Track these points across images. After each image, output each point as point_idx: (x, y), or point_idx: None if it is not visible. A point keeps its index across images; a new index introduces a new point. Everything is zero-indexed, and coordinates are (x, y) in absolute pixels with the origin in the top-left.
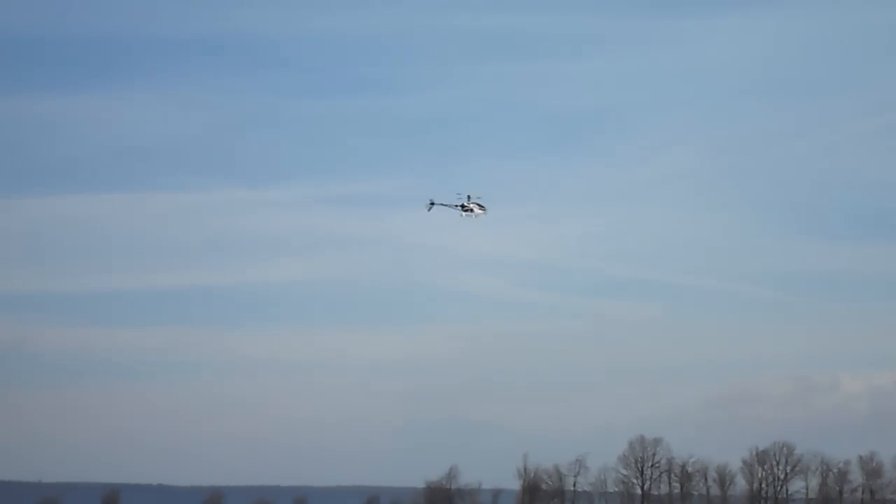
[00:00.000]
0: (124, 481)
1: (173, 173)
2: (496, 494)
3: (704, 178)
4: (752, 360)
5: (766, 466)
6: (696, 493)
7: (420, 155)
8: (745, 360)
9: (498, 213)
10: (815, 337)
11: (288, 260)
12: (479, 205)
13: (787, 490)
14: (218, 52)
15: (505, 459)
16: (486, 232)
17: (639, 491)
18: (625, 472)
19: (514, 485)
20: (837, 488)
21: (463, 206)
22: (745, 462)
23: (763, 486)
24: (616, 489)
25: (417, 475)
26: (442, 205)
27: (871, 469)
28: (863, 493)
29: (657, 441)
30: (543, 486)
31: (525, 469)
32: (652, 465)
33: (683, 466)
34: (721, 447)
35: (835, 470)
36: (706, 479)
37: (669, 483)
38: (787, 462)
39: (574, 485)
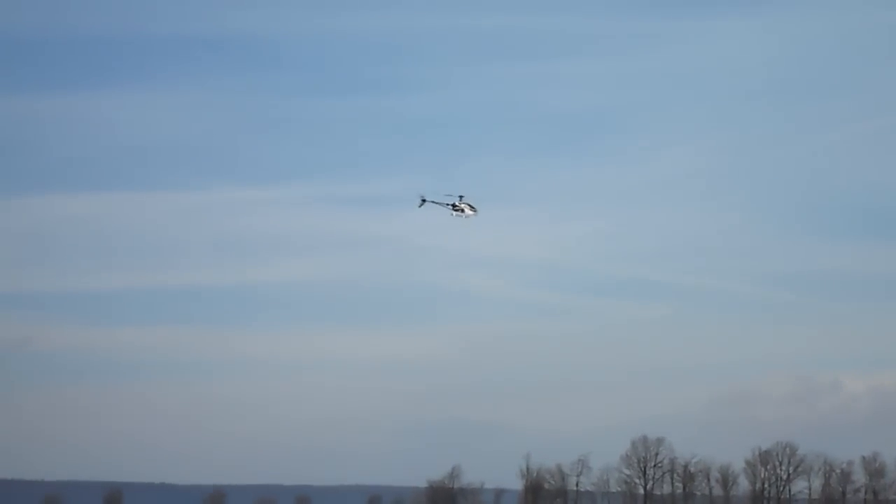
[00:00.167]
0: (127, 480)
1: (176, 173)
2: (498, 494)
3: (706, 178)
4: (755, 360)
5: (768, 467)
6: (698, 493)
7: (422, 155)
8: (748, 361)
9: (501, 213)
10: (817, 337)
11: (290, 260)
12: (469, 205)
13: (789, 490)
14: (220, 52)
15: (507, 459)
16: (489, 232)
17: (641, 491)
18: (627, 471)
19: (517, 484)
20: (840, 489)
21: (454, 205)
22: (747, 462)
23: (766, 486)
24: (618, 489)
25: (420, 475)
26: (433, 202)
27: (874, 469)
28: (866, 493)
29: (660, 441)
30: (546, 486)
31: (527, 469)
32: (654, 465)
33: (686, 466)
34: (724, 447)
35: (838, 470)
36: (709, 480)
37: (672, 483)
38: (789, 462)
39: (577, 484)
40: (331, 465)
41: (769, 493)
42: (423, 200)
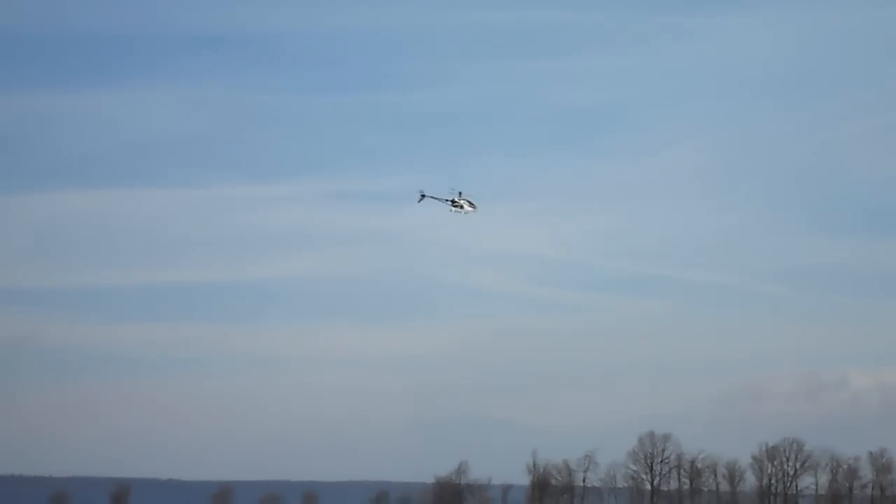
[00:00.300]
0: (134, 476)
1: (178, 169)
2: (505, 490)
3: (713, 174)
4: (762, 356)
5: (775, 462)
6: (705, 488)
7: (428, 151)
8: (755, 356)
9: (505, 209)
10: (824, 333)
11: (294, 256)
12: (469, 201)
13: (796, 486)
14: (223, 49)
15: (514, 455)
16: (493, 228)
17: (648, 487)
18: (634, 467)
19: (524, 480)
20: (847, 484)
21: (453, 201)
22: (754, 458)
23: (773, 482)
24: (625, 485)
25: (427, 470)
26: (432, 197)
27: (882, 465)
28: (873, 489)
29: (667, 437)
30: (553, 482)
31: (534, 464)
32: (661, 461)
33: (693, 462)
34: (731, 443)
35: (845, 466)
36: (716, 475)
37: (679, 479)
38: (796, 458)
39: (583, 480)
40: (337, 461)
41: (776, 488)
42: (422, 196)
